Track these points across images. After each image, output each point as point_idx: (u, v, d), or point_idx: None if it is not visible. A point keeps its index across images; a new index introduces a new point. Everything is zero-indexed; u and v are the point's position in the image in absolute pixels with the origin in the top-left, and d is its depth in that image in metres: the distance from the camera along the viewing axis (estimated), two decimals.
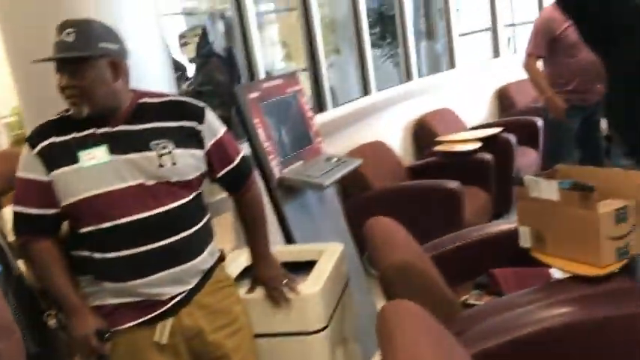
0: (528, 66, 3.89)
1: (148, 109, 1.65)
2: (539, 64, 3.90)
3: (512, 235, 2.17)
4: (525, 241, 2.09)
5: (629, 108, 2.07)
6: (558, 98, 3.74)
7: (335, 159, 2.77)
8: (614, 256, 1.87)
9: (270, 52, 5.27)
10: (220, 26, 4.10)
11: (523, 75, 5.79)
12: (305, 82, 4.00)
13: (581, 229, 1.88)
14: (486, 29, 6.16)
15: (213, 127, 1.70)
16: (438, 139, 4.33)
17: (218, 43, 3.86)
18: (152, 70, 2.25)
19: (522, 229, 2.10)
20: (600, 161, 3.59)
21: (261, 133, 2.47)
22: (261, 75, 3.33)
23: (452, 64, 5.52)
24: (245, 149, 2.48)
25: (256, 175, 1.94)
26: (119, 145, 1.59)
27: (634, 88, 2.03)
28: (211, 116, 1.71)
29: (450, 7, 5.46)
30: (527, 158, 4.54)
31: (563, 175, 2.03)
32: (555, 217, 1.96)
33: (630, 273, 1.99)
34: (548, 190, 1.96)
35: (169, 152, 1.59)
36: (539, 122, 4.51)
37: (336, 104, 4.20)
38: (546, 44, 3.75)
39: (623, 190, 1.89)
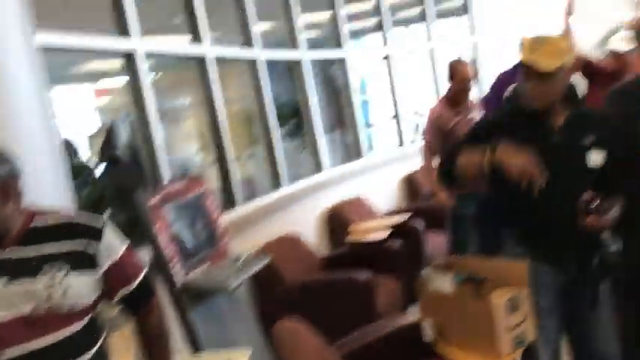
0: (422, 152, 4.09)
1: (41, 231, 1.58)
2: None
3: None
4: (428, 334, 2.12)
5: (515, 215, 2.21)
6: (442, 194, 3.88)
7: (242, 259, 2.75)
8: (512, 346, 1.92)
9: (186, 144, 5.29)
10: (127, 126, 4.10)
11: None
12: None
13: (478, 321, 1.93)
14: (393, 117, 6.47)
15: (112, 246, 1.64)
16: (350, 228, 4.41)
17: (124, 144, 3.83)
18: (48, 182, 2.20)
19: (425, 323, 2.13)
20: (497, 245, 3.72)
21: (162, 238, 2.43)
22: (167, 175, 3.31)
23: (359, 154, 5.71)
24: (147, 255, 2.43)
25: (159, 286, 1.89)
26: (7, 270, 1.50)
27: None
28: (110, 234, 1.64)
29: (353, 98, 5.70)
30: (438, 243, 4.67)
31: (459, 266, 2.10)
32: (454, 309, 2.01)
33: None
34: (443, 283, 2.01)
35: (61, 279, 1.52)
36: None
37: (254, 196, 4.21)
38: (439, 138, 3.97)
39: (513, 279, 1.97)
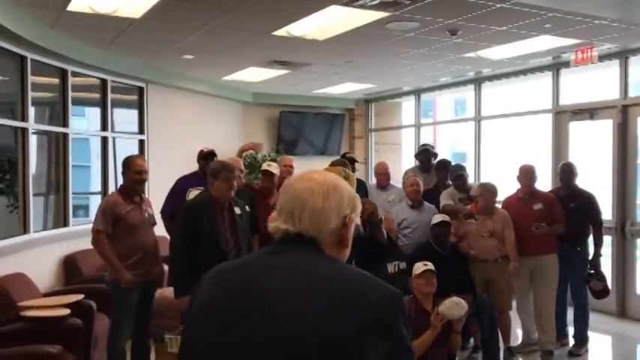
0: (96, 241, 4.20)
1: None
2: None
3: None
4: None
5: None
6: (126, 271, 4.13)
7: None
8: None
9: None
10: None
11: (89, 245, 6.19)
12: None
13: None
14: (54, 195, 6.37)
15: None
16: (22, 304, 4.27)
17: None
18: None
19: None
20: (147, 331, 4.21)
21: None
22: None
23: (25, 230, 5.52)
24: None
25: None
26: None
27: None
28: None
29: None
30: (102, 323, 4.83)
31: None
32: None
33: None
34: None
35: None
36: None
37: None
38: (112, 223, 4.20)
39: None
